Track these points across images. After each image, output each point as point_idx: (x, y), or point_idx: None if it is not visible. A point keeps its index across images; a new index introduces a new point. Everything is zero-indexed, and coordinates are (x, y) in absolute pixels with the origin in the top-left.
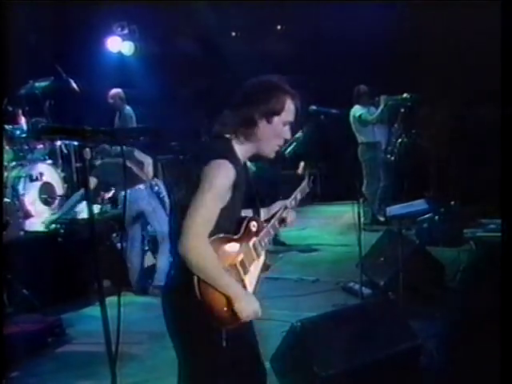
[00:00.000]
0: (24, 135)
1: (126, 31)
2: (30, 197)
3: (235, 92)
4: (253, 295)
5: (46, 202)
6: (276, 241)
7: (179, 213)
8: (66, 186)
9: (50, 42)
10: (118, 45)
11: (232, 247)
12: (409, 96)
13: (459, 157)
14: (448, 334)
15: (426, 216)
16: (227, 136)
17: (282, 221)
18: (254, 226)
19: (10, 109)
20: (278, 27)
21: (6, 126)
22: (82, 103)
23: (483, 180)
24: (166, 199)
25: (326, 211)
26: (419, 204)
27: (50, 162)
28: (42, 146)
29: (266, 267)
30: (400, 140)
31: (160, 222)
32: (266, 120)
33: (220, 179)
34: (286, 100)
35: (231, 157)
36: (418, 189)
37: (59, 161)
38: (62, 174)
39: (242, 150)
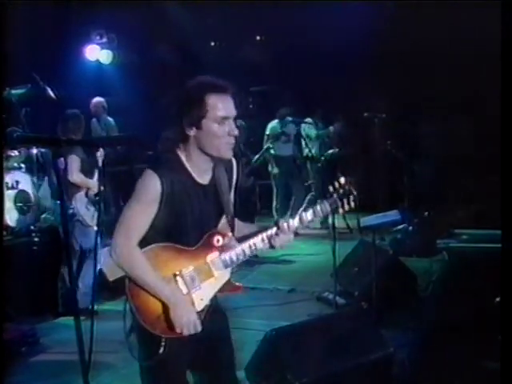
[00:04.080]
0: None
1: (104, 39)
2: (6, 205)
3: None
4: (191, 307)
5: (22, 211)
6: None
7: None
8: (41, 194)
9: (27, 49)
10: (96, 53)
11: (181, 258)
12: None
13: (432, 167)
14: (420, 344)
15: (400, 226)
16: (177, 151)
17: (269, 242)
18: (217, 240)
19: None
20: (257, 37)
21: None
22: (59, 111)
23: (456, 191)
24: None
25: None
26: (393, 215)
27: (25, 169)
28: (17, 153)
29: (233, 288)
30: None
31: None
32: (195, 127)
33: (144, 189)
34: (206, 99)
35: (167, 168)
36: (392, 199)
37: (35, 169)
38: (38, 183)
39: (193, 161)
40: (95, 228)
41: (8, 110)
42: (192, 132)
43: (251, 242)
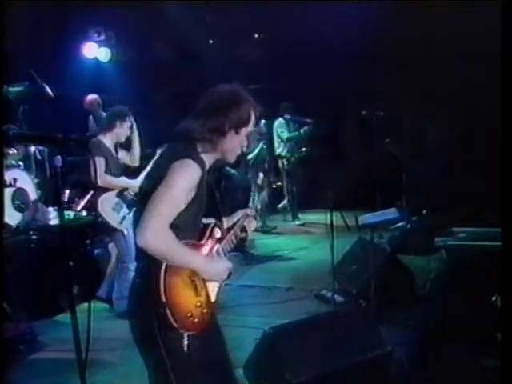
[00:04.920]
0: None
1: (102, 37)
2: (4, 203)
3: (199, 98)
4: (220, 259)
5: (19, 209)
6: (245, 252)
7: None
8: (39, 192)
9: (25, 46)
10: (94, 51)
11: (198, 252)
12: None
13: (431, 166)
14: (418, 342)
15: (398, 224)
16: (194, 142)
17: (243, 229)
18: (217, 232)
19: None
20: (256, 35)
21: None
22: (57, 109)
23: (455, 189)
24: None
25: (299, 219)
26: (391, 213)
27: (23, 167)
28: (15, 151)
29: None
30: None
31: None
32: (234, 131)
33: (184, 177)
34: (251, 111)
35: (197, 159)
36: (390, 197)
37: (33, 166)
38: (36, 180)
39: (205, 157)
40: (125, 231)
41: (5, 108)
42: (228, 133)
43: (234, 230)
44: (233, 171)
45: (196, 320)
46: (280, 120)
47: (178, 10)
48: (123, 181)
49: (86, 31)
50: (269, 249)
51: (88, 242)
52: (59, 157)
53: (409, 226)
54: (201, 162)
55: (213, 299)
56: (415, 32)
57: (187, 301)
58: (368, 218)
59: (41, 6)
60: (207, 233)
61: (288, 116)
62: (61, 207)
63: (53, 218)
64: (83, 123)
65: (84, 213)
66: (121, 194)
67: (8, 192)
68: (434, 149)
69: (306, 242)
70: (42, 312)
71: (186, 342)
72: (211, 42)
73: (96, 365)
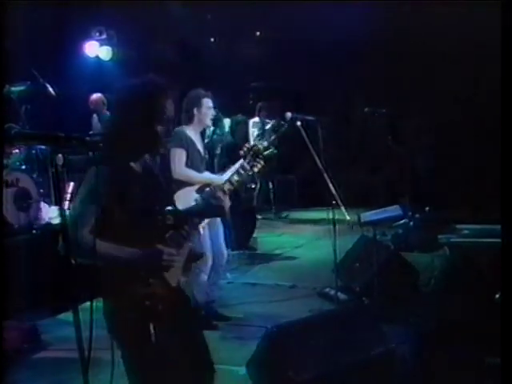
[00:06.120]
0: None
1: (103, 36)
2: (6, 203)
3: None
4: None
5: (22, 208)
6: (251, 249)
7: None
8: (41, 191)
9: (26, 46)
10: (95, 49)
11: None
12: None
13: (434, 163)
14: (421, 339)
15: (401, 222)
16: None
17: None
18: (168, 219)
19: None
20: (257, 33)
21: None
22: (59, 108)
23: (457, 186)
24: None
25: (302, 217)
26: (394, 210)
27: (25, 167)
28: (17, 151)
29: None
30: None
31: None
32: (143, 124)
33: (86, 180)
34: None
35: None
36: (393, 194)
37: (35, 166)
38: (38, 180)
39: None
40: (201, 231)
41: (7, 107)
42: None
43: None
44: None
45: (157, 308)
46: (255, 119)
47: (179, 9)
48: (205, 176)
49: (87, 30)
50: (272, 247)
51: None
52: (61, 156)
53: (412, 223)
54: (112, 163)
55: (173, 284)
56: (418, 30)
57: (141, 291)
58: (370, 215)
59: (42, 5)
60: (161, 220)
61: (290, 114)
62: (62, 206)
63: (55, 216)
64: (85, 122)
65: None
66: (202, 190)
67: (10, 192)
68: (437, 145)
69: (309, 239)
70: (46, 311)
71: (151, 331)
72: (212, 40)
73: (99, 364)
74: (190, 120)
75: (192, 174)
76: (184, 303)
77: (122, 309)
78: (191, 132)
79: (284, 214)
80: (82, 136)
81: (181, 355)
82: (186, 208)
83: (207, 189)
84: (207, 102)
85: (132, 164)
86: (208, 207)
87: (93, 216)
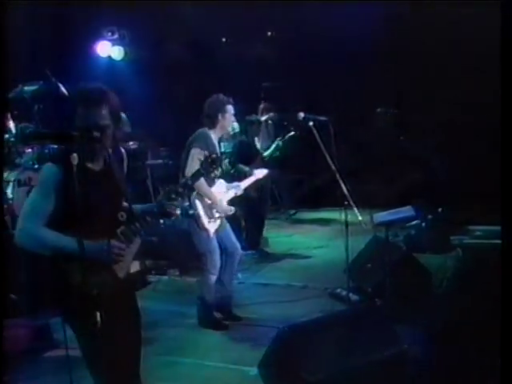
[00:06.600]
0: (13, 139)
1: (115, 36)
2: (19, 202)
3: None
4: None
5: None
6: (260, 250)
7: None
8: None
9: (39, 45)
10: (107, 49)
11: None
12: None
13: (447, 163)
14: (433, 340)
15: (414, 223)
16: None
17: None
18: (121, 216)
19: None
20: (269, 33)
21: None
22: (71, 108)
23: (471, 186)
24: None
25: (313, 217)
26: (406, 211)
27: (38, 166)
28: (30, 150)
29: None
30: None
31: None
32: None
33: (41, 178)
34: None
35: (59, 161)
36: (406, 195)
37: None
38: None
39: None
40: (211, 233)
41: (20, 106)
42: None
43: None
44: (247, 169)
45: (104, 296)
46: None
47: (190, 9)
48: (206, 189)
49: (99, 30)
50: (283, 247)
51: None
52: (75, 155)
53: (424, 224)
54: (65, 163)
55: (121, 276)
56: (432, 30)
57: (90, 280)
58: (383, 216)
59: (54, 5)
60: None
61: (302, 114)
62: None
63: None
64: None
65: None
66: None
67: (22, 191)
68: (450, 145)
69: (321, 240)
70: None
71: (97, 319)
72: (224, 40)
73: None
74: (213, 124)
75: (199, 182)
76: (130, 294)
77: (72, 296)
78: (213, 136)
79: (292, 212)
80: (96, 135)
81: (123, 340)
82: (141, 206)
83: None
84: (231, 109)
85: (88, 163)
86: (161, 209)
87: (46, 210)
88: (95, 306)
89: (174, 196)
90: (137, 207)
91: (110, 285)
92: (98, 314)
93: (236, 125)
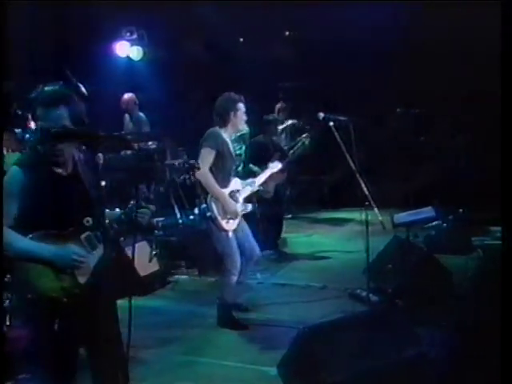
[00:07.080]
0: (33, 139)
1: (134, 36)
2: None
3: None
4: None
5: None
6: (278, 251)
7: None
8: None
9: (58, 46)
10: (126, 49)
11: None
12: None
13: (468, 163)
14: (454, 342)
15: (434, 223)
16: None
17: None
18: (87, 221)
19: (20, 112)
20: (286, 33)
21: (16, 130)
22: (91, 108)
23: (492, 187)
24: None
25: (333, 217)
26: (427, 211)
27: None
28: None
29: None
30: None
31: None
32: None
33: (5, 180)
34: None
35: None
36: (426, 195)
37: None
38: None
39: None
40: (230, 233)
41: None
42: None
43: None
44: (256, 168)
45: (63, 301)
46: (292, 121)
47: (208, 9)
48: (218, 190)
49: (118, 30)
50: (302, 247)
51: (122, 239)
52: (100, 154)
53: (445, 224)
54: (30, 166)
55: (82, 281)
56: (451, 30)
57: (49, 284)
58: (404, 216)
59: (73, 5)
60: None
61: (322, 114)
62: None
63: None
64: (117, 122)
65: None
66: (232, 194)
67: None
68: (472, 146)
69: (340, 240)
70: None
71: (55, 322)
72: (241, 40)
73: (131, 361)
74: (224, 123)
75: (209, 182)
76: (91, 299)
77: (31, 299)
78: (225, 134)
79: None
80: (121, 134)
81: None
82: (111, 213)
83: (235, 194)
84: (242, 107)
85: (55, 167)
86: (128, 216)
87: (9, 212)
88: (52, 309)
89: (143, 204)
90: (114, 213)
91: (70, 289)
92: (56, 317)
93: (245, 126)
